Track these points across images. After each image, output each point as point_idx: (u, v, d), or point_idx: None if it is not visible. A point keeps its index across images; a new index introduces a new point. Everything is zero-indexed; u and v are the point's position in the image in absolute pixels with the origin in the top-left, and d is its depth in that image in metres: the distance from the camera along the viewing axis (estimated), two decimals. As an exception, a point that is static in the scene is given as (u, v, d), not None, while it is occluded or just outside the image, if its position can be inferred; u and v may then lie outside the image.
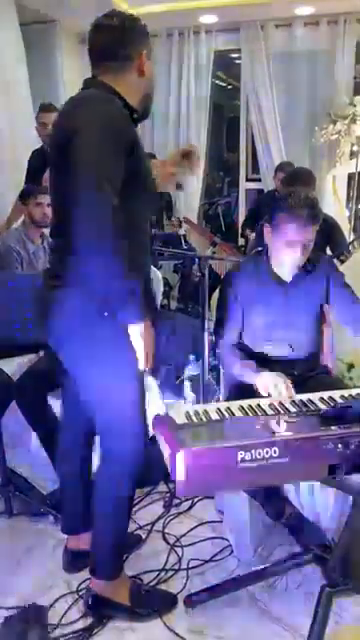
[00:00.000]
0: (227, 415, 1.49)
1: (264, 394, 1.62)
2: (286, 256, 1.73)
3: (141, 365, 1.42)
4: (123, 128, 1.37)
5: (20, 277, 2.18)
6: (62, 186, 1.36)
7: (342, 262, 2.92)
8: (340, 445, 1.27)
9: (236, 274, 1.87)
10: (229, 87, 6.65)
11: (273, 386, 1.62)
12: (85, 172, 1.27)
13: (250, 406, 1.53)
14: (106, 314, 1.38)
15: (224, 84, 6.67)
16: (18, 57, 3.75)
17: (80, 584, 1.75)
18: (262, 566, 1.76)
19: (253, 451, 1.22)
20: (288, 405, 1.54)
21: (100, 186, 1.25)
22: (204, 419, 1.46)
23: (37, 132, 3.41)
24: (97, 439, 1.64)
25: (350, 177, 4.53)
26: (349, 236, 3.77)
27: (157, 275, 2.52)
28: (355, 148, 4.29)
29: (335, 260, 2.55)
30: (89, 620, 1.63)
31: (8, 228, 3.20)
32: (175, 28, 4.72)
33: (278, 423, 1.30)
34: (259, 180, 5.04)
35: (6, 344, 2.08)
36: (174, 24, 4.66)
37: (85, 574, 1.74)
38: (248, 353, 1.86)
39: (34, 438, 2.22)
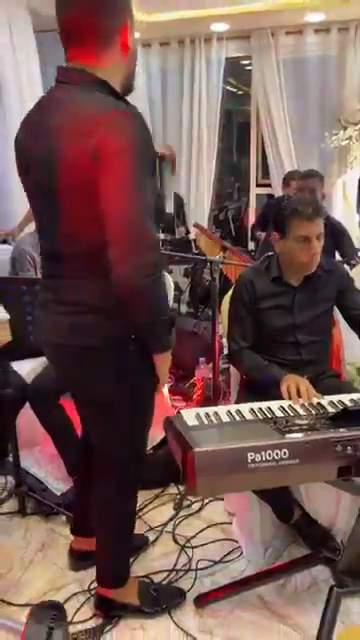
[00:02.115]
0: (237, 417, 1.51)
1: (286, 396, 1.64)
2: (303, 254, 1.76)
3: (158, 391, 1.44)
4: (152, 150, 1.24)
5: (32, 281, 2.22)
6: (78, 213, 1.23)
7: (352, 267, 2.94)
8: (350, 447, 1.29)
9: (247, 279, 1.90)
10: (239, 93, 6.68)
11: (294, 389, 1.64)
12: (136, 220, 1.16)
13: (260, 409, 1.55)
14: (132, 336, 1.34)
15: (234, 90, 6.71)
16: (32, 63, 3.81)
17: (91, 582, 1.78)
18: (271, 567, 1.79)
19: (263, 452, 1.25)
20: (298, 408, 1.56)
21: (150, 231, 1.18)
22: (215, 421, 1.49)
23: None
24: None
25: (361, 182, 4.55)
26: (359, 242, 3.79)
27: (168, 280, 2.55)
28: (365, 153, 4.32)
29: (344, 265, 2.57)
30: (101, 619, 1.66)
31: (20, 232, 3.26)
32: (187, 36, 4.78)
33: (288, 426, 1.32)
34: (269, 185, 5.07)
35: (20, 347, 2.12)
36: (186, 32, 4.72)
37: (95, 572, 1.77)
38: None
39: (47, 438, 2.26)
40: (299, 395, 1.61)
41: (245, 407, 1.57)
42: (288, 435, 1.31)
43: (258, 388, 1.81)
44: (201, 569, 1.85)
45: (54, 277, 1.38)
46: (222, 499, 2.18)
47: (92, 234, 1.21)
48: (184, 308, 4.63)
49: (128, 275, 1.17)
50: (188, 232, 4.69)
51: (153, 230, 1.21)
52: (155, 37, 4.81)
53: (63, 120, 1.21)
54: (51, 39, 4.36)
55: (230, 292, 2.03)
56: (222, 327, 2.43)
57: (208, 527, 2.06)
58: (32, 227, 3.04)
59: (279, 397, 1.64)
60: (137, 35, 4.58)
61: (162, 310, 1.28)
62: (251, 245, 4.93)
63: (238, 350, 1.90)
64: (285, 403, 1.59)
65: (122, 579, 1.64)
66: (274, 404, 1.59)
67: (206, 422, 1.47)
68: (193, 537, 2.01)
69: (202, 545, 1.97)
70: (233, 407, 1.58)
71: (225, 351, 2.75)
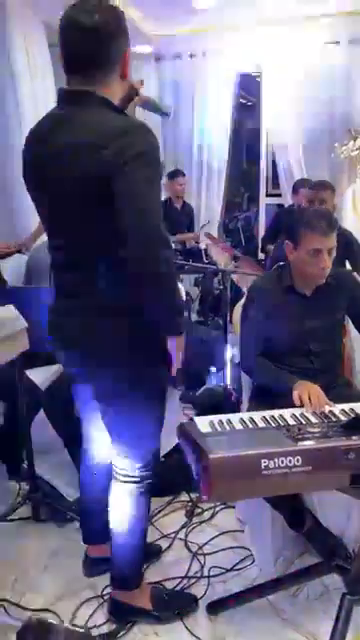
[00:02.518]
0: (250, 425, 1.53)
1: (297, 403, 1.66)
2: (314, 267, 1.79)
3: (173, 371, 1.48)
4: (159, 154, 1.33)
5: (49, 290, 2.26)
6: (95, 221, 1.32)
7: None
8: (362, 455, 1.30)
9: (259, 288, 1.93)
10: (249, 104, 6.76)
11: (306, 396, 1.66)
12: (150, 228, 1.26)
13: (272, 416, 1.57)
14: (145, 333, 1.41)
15: (244, 101, 6.78)
16: (47, 76, 3.89)
17: (104, 588, 1.80)
18: (283, 575, 1.80)
19: (276, 459, 1.27)
20: (310, 416, 1.58)
21: (163, 231, 1.29)
22: (228, 428, 1.51)
23: None
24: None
25: (370, 192, 4.56)
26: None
27: (180, 288, 2.57)
28: (376, 164, 4.34)
29: (355, 274, 2.59)
30: (114, 624, 1.68)
31: (34, 242, 3.32)
32: (199, 49, 4.85)
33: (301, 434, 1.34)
34: (279, 195, 5.10)
35: (35, 355, 2.15)
36: (198, 45, 4.79)
37: (108, 578, 1.79)
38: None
39: (61, 445, 2.29)
40: (311, 402, 1.63)
41: (257, 415, 1.59)
42: (301, 442, 1.33)
43: (270, 396, 1.83)
44: (213, 576, 1.87)
45: (70, 286, 1.45)
46: (233, 507, 2.20)
47: (110, 237, 1.29)
48: (194, 317, 4.66)
49: (146, 262, 1.27)
50: (197, 242, 4.74)
51: (165, 230, 1.30)
52: (167, 50, 4.90)
53: (78, 136, 1.29)
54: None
55: (242, 301, 2.06)
56: (233, 336, 2.45)
57: (220, 535, 2.08)
58: (45, 237, 3.09)
59: (291, 406, 1.66)
60: (150, 49, 4.68)
61: (176, 295, 1.36)
62: (261, 255, 4.95)
63: (250, 358, 1.92)
64: (297, 411, 1.61)
65: (136, 581, 1.67)
66: (286, 412, 1.61)
67: (219, 429, 1.50)
68: (205, 544, 2.02)
69: (214, 553, 1.98)
70: (246, 415, 1.60)
71: (236, 360, 2.78)
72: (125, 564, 1.65)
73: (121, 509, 1.62)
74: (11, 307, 1.81)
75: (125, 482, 1.59)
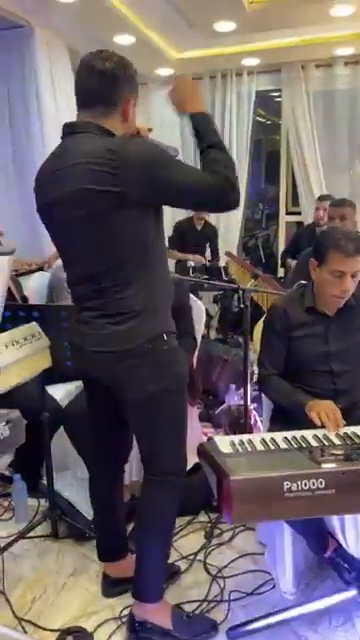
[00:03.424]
0: (272, 446, 1.52)
1: (317, 422, 1.64)
2: (335, 288, 1.77)
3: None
4: (158, 146, 1.49)
5: (71, 308, 2.29)
6: (100, 234, 1.44)
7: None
8: (386, 479, 1.28)
9: (280, 307, 1.92)
10: (268, 122, 6.82)
11: (324, 414, 1.64)
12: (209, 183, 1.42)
13: (294, 437, 1.56)
14: (165, 336, 1.52)
15: (263, 120, 6.85)
16: (71, 101, 3.99)
17: (123, 609, 1.78)
18: (305, 601, 1.75)
19: (299, 482, 1.25)
20: (333, 437, 1.56)
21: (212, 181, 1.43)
22: (249, 449, 1.50)
23: None
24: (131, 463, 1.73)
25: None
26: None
27: (199, 306, 2.59)
28: None
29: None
30: (132, 646, 1.66)
31: (56, 260, 3.37)
32: (218, 71, 4.93)
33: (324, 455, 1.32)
34: (299, 213, 5.11)
35: (57, 371, 2.17)
36: (218, 67, 4.87)
37: (128, 600, 1.77)
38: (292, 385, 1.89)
39: (81, 462, 2.29)
40: (330, 420, 1.62)
41: (279, 435, 1.57)
42: (324, 465, 1.31)
43: (291, 416, 1.81)
44: (234, 600, 1.83)
45: (84, 300, 1.55)
46: (254, 529, 2.16)
47: (122, 248, 1.45)
48: (213, 334, 4.66)
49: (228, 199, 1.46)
50: (215, 259, 4.75)
51: (214, 179, 1.42)
52: (187, 72, 4.98)
53: (70, 159, 1.44)
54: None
55: (262, 319, 2.05)
56: (254, 354, 2.44)
57: (240, 557, 2.04)
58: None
59: (311, 426, 1.64)
60: (171, 71, 4.78)
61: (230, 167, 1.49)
62: (280, 272, 4.95)
63: (266, 376, 1.91)
64: (320, 432, 1.59)
65: (158, 594, 1.67)
66: (308, 433, 1.59)
67: (240, 450, 1.48)
68: (225, 567, 1.99)
69: (234, 576, 1.95)
70: (267, 435, 1.58)
71: (256, 378, 2.76)
72: (152, 569, 1.65)
73: (154, 511, 1.64)
74: (34, 324, 1.84)
75: (162, 483, 1.61)
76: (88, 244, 1.48)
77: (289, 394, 1.83)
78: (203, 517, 2.28)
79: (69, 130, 1.51)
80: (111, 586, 1.86)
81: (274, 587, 1.88)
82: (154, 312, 1.51)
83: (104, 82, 1.46)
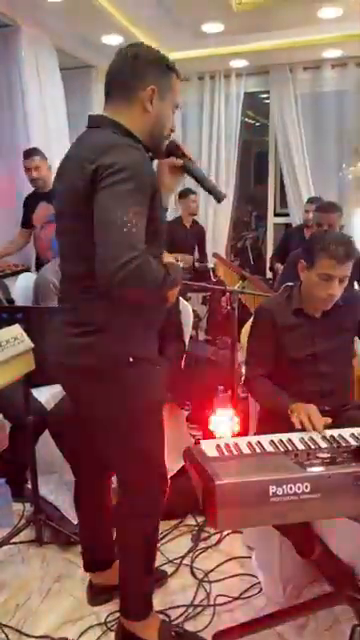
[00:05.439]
0: (258, 449, 1.50)
1: (297, 425, 1.63)
2: (322, 291, 1.77)
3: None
4: (148, 176, 1.32)
5: (56, 309, 2.27)
6: (81, 234, 1.32)
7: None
8: (373, 482, 1.27)
9: (267, 308, 1.91)
10: (257, 124, 6.83)
11: (306, 417, 1.63)
12: (118, 241, 1.21)
13: (281, 440, 1.54)
14: (131, 359, 1.40)
15: (252, 121, 6.86)
16: (58, 98, 3.97)
17: (108, 615, 1.76)
18: (292, 605, 1.74)
19: (285, 486, 1.23)
20: (319, 440, 1.54)
21: (134, 253, 1.21)
22: (235, 452, 1.48)
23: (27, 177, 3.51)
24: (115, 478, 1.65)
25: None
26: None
27: (187, 308, 2.57)
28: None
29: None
30: (117, 653, 1.64)
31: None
32: (207, 72, 4.93)
33: (310, 459, 1.31)
34: (287, 215, 5.12)
35: (40, 374, 2.15)
36: (206, 68, 4.87)
37: (113, 606, 1.75)
38: (279, 387, 1.88)
39: (65, 466, 2.26)
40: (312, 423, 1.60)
41: (265, 438, 1.55)
42: (309, 469, 1.30)
43: (279, 419, 1.80)
44: (219, 605, 1.82)
45: (64, 300, 1.50)
46: (241, 532, 2.15)
47: (89, 254, 1.28)
48: (202, 335, 4.64)
49: (106, 276, 1.22)
50: (203, 260, 4.74)
51: (133, 245, 1.21)
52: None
53: (75, 154, 1.39)
54: (75, 76, 4.58)
55: (250, 321, 2.04)
56: (242, 355, 2.43)
57: (227, 561, 2.03)
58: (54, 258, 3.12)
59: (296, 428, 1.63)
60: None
61: (157, 281, 1.29)
62: (269, 274, 4.95)
63: (252, 378, 1.90)
64: (306, 435, 1.57)
65: (144, 611, 1.62)
66: (294, 436, 1.57)
67: (226, 453, 1.46)
68: (211, 571, 1.97)
69: (221, 580, 1.93)
70: (253, 438, 1.57)
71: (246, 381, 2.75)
72: (132, 593, 1.62)
73: (130, 530, 1.58)
74: (17, 326, 1.81)
75: (134, 500, 1.56)
76: (68, 243, 1.44)
77: (272, 396, 1.82)
78: (190, 520, 2.27)
79: (90, 122, 1.45)
80: (97, 594, 1.83)
81: (260, 591, 1.87)
82: (123, 332, 1.39)
83: (121, 64, 1.39)
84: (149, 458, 1.53)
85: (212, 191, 1.53)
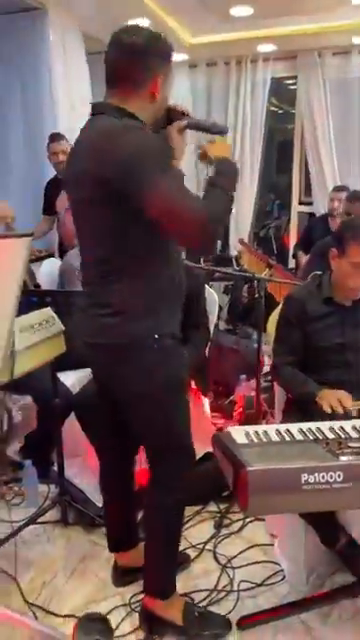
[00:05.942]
0: (287, 437, 1.49)
1: (327, 409, 1.62)
2: (353, 280, 1.75)
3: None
4: (162, 148, 1.40)
5: (81, 293, 2.27)
6: (102, 218, 1.38)
7: None
8: None
9: (297, 298, 1.90)
10: (280, 112, 6.72)
11: (336, 401, 1.63)
12: (187, 217, 1.31)
13: (310, 429, 1.53)
14: (156, 336, 1.45)
15: (276, 109, 6.75)
16: (84, 82, 3.94)
17: (132, 596, 1.78)
18: (315, 594, 1.75)
19: (317, 474, 1.23)
20: (349, 430, 1.53)
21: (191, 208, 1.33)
22: (264, 439, 1.48)
23: (50, 161, 3.51)
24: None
25: None
26: None
27: (213, 296, 2.56)
28: None
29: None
30: (141, 634, 1.66)
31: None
32: (233, 57, 4.85)
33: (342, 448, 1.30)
34: (311, 204, 5.05)
35: (68, 357, 2.16)
36: (232, 53, 4.79)
37: (137, 587, 1.77)
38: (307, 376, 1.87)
39: (90, 450, 2.28)
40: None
41: (294, 427, 1.55)
42: (342, 457, 1.29)
43: (303, 408, 1.79)
44: (243, 590, 1.83)
45: (85, 284, 1.55)
46: (263, 519, 2.15)
47: (115, 238, 1.38)
48: (223, 325, 4.62)
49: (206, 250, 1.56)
50: (226, 249, 4.71)
51: (194, 204, 1.34)
52: (202, 58, 4.91)
53: (86, 142, 1.42)
54: (102, 60, 4.54)
55: (277, 310, 2.02)
56: (267, 345, 2.42)
57: (249, 548, 2.04)
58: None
59: (325, 417, 1.62)
60: (185, 57, 4.70)
61: (229, 207, 1.42)
62: (291, 263, 4.90)
63: (280, 365, 1.90)
64: (336, 424, 1.56)
65: (168, 590, 1.65)
66: (324, 425, 1.56)
67: (256, 440, 1.46)
68: (234, 557, 1.98)
69: (244, 566, 1.94)
70: (282, 426, 1.56)
71: (266, 369, 2.74)
72: (158, 572, 1.64)
73: (157, 512, 1.60)
74: (48, 309, 1.82)
75: (163, 483, 1.59)
76: (84, 228, 1.49)
77: (301, 383, 1.82)
78: (212, 507, 2.27)
79: (92, 111, 1.47)
80: (122, 575, 1.86)
81: (284, 578, 1.87)
82: (145, 312, 1.44)
83: (128, 58, 1.39)
84: (178, 431, 1.57)
85: (220, 130, 1.54)
